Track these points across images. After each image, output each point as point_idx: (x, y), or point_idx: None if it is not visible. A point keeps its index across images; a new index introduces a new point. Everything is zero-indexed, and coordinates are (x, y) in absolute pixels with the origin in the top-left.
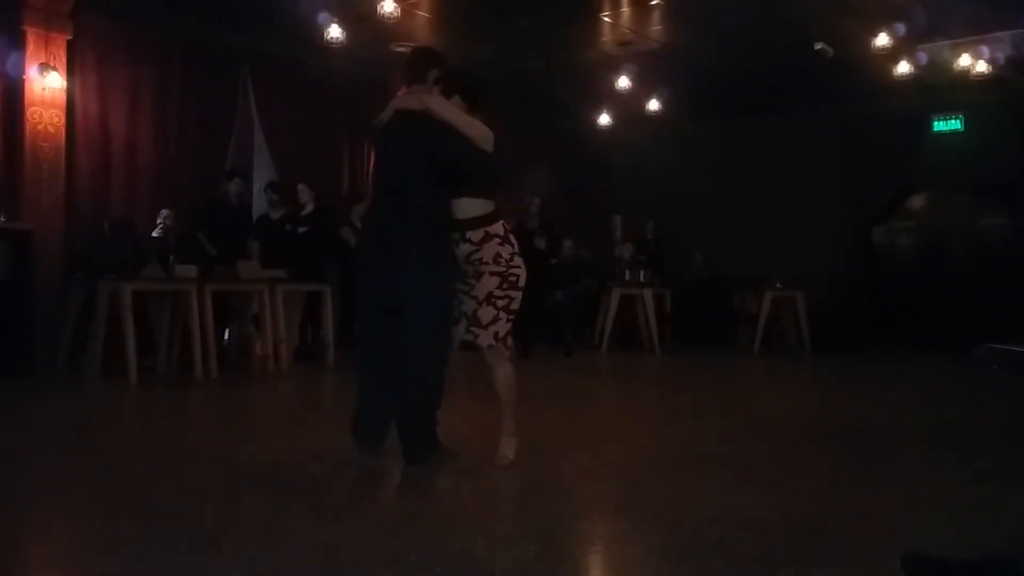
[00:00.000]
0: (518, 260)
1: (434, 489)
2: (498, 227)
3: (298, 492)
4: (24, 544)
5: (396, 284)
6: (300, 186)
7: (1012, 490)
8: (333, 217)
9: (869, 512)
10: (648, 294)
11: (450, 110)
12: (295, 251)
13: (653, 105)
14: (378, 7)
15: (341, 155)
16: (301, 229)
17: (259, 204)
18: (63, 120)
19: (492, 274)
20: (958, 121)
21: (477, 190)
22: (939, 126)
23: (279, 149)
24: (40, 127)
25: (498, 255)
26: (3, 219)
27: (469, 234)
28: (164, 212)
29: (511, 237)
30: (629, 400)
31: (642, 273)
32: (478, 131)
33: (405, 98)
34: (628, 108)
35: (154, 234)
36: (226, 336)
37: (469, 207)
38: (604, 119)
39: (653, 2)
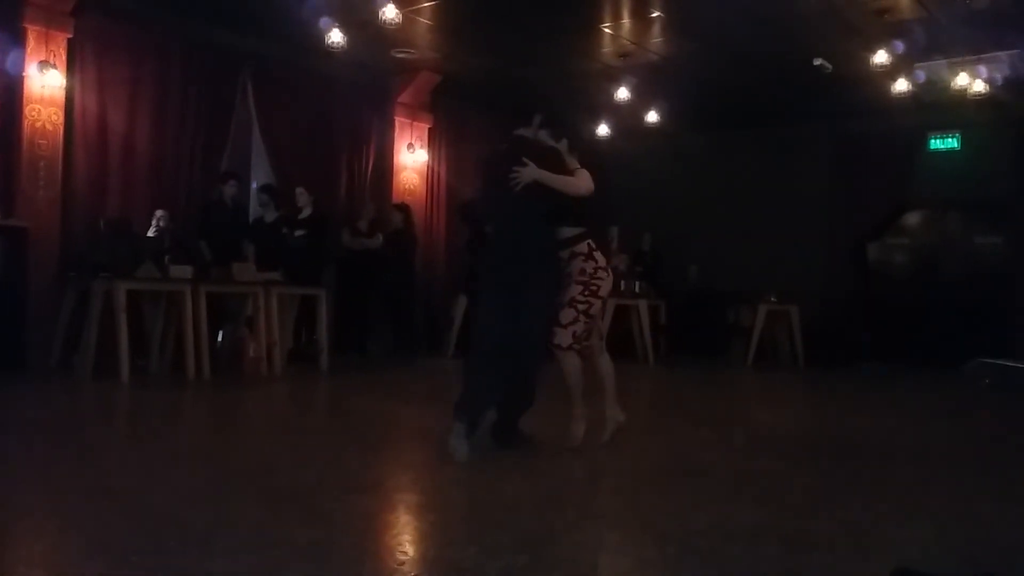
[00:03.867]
0: (602, 273)
1: (425, 496)
2: (583, 246)
3: (288, 494)
4: (12, 544)
5: (523, 301)
6: (299, 190)
7: (1002, 506)
8: (331, 221)
9: (860, 527)
10: (643, 305)
11: (552, 179)
12: (291, 254)
13: (651, 117)
14: (379, 13)
15: (339, 160)
16: (298, 232)
17: (254, 206)
18: (61, 118)
19: (577, 283)
20: (955, 139)
21: (572, 221)
22: (935, 144)
23: (277, 153)
24: (38, 125)
25: (582, 269)
26: None
27: (562, 253)
28: (159, 213)
29: (595, 254)
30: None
31: (637, 284)
32: (579, 186)
33: (523, 149)
34: (626, 120)
35: (150, 234)
36: (219, 337)
37: (563, 232)
38: (602, 130)
39: (653, 14)
